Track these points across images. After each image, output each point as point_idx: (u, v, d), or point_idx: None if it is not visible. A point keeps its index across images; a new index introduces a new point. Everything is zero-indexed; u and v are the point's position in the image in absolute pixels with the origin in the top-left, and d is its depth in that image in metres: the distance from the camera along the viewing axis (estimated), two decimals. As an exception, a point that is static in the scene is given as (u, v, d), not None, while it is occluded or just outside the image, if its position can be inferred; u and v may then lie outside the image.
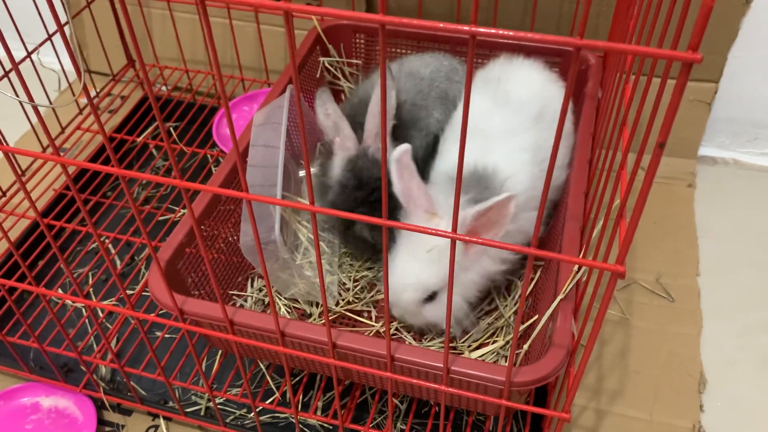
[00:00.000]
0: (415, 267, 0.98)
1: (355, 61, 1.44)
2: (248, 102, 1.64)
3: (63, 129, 1.56)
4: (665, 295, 1.29)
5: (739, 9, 1.35)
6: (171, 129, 1.63)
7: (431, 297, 1.00)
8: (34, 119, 1.46)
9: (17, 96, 0.95)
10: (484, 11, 1.42)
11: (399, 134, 1.16)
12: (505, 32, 0.47)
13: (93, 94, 1.71)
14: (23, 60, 1.29)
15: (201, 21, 1.56)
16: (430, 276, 0.97)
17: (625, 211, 0.65)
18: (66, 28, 1.67)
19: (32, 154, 0.72)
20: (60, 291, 1.30)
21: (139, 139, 1.58)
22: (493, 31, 0.48)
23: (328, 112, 1.10)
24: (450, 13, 1.45)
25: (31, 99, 0.67)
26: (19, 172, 0.77)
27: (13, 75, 1.36)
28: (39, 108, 0.71)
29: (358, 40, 1.42)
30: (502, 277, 1.06)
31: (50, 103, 1.61)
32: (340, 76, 1.43)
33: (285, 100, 1.17)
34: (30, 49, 1.41)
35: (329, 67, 1.41)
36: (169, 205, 1.44)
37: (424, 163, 1.13)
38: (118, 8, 1.62)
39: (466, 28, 0.48)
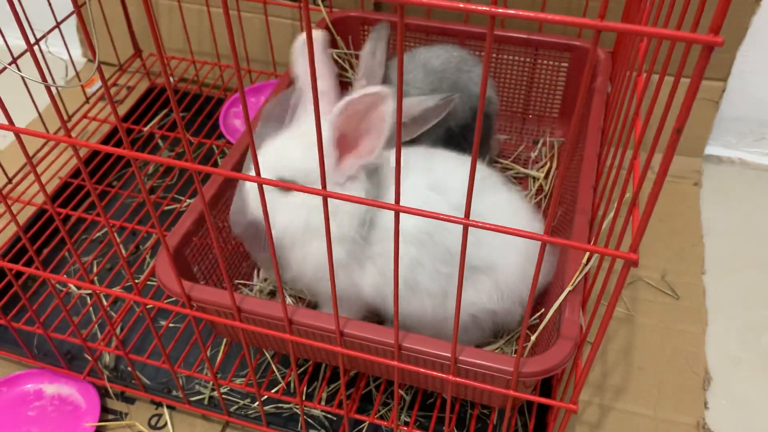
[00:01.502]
0: (285, 144, 0.92)
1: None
2: (255, 94, 1.64)
3: (69, 117, 1.56)
4: (670, 292, 1.29)
5: (749, 7, 1.34)
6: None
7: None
8: (41, 106, 1.45)
9: (20, 79, 0.94)
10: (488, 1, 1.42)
11: None
12: (525, 12, 0.47)
13: (99, 83, 1.71)
14: (35, 44, 1.29)
15: (208, 12, 1.56)
16: (294, 159, 0.89)
17: (638, 201, 0.65)
18: (74, 18, 1.66)
19: (44, 136, 0.72)
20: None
21: (145, 129, 1.58)
22: (512, 12, 0.48)
23: (374, 52, 1.03)
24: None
25: (44, 79, 0.67)
26: (26, 158, 0.77)
27: (20, 62, 1.36)
28: (45, 96, 0.71)
29: (366, 33, 1.42)
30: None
31: (58, 91, 1.60)
32: (347, 68, 1.43)
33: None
34: (38, 37, 1.41)
35: (337, 59, 1.41)
36: (175, 195, 1.44)
37: None
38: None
39: (485, 8, 0.47)
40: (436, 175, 0.97)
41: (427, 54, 1.23)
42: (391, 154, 0.99)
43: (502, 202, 1.00)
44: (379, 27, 1.01)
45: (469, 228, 0.93)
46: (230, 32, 0.54)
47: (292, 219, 0.93)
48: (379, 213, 0.94)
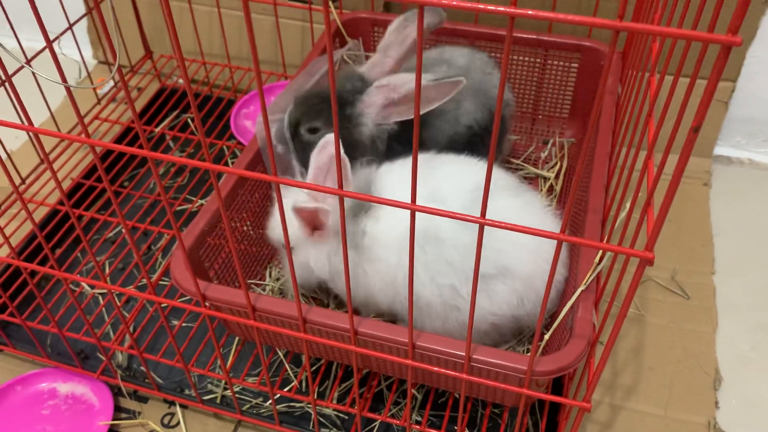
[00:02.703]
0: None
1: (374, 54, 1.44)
2: (265, 95, 1.64)
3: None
4: (680, 292, 1.29)
5: (759, 8, 1.34)
6: (189, 120, 1.64)
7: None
8: (54, 106, 1.46)
9: (28, 80, 0.95)
10: (502, 3, 1.42)
11: (428, 122, 1.15)
12: (544, 13, 0.47)
13: (111, 84, 1.72)
14: (54, 40, 1.29)
15: (219, 14, 1.57)
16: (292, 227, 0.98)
17: (653, 200, 0.65)
18: (84, 20, 1.68)
19: (63, 136, 0.72)
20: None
21: (157, 130, 1.59)
22: (530, 12, 0.48)
23: (401, 30, 1.11)
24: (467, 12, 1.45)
25: (64, 80, 0.68)
26: (42, 156, 0.78)
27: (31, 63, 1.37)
28: (57, 97, 0.72)
29: (377, 34, 1.43)
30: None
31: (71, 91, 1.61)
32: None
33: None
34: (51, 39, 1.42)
35: (348, 61, 1.42)
36: (186, 196, 1.45)
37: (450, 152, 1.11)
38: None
39: (504, 8, 0.48)
40: (435, 183, 0.98)
41: (454, 52, 1.24)
42: (383, 172, 1.05)
43: (515, 205, 0.99)
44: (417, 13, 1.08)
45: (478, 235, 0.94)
46: (251, 36, 0.55)
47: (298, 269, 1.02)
48: (370, 221, 0.99)
